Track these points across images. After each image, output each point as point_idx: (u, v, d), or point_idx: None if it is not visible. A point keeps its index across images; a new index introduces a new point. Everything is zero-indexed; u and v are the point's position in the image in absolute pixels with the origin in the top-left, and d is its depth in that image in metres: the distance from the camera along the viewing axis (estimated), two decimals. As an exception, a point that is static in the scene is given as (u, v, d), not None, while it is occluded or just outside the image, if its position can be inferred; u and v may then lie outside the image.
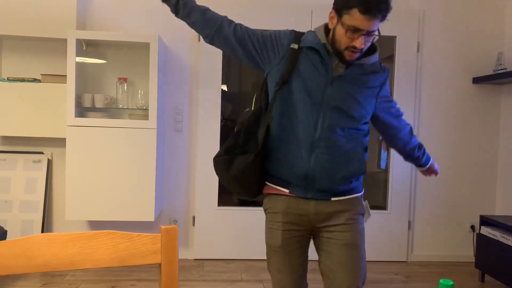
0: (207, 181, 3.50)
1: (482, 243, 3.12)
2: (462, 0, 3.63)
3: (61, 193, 3.43)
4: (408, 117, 3.59)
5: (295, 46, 1.57)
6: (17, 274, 0.92)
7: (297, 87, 1.54)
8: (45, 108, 3.16)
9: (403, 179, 3.63)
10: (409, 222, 3.65)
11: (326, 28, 1.58)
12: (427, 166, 1.88)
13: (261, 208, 3.57)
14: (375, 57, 1.60)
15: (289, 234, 1.60)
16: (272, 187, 1.63)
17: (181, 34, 3.46)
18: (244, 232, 3.56)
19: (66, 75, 3.18)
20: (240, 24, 1.65)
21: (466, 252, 3.71)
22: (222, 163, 1.61)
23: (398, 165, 3.61)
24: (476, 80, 3.59)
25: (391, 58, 3.63)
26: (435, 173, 1.93)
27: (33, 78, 3.22)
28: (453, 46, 3.64)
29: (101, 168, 3.06)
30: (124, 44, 3.29)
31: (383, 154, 3.87)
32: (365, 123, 1.62)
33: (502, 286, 3.14)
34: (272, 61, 1.60)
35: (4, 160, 3.32)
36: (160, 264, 1.00)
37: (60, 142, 3.40)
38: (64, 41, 3.25)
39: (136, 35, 3.08)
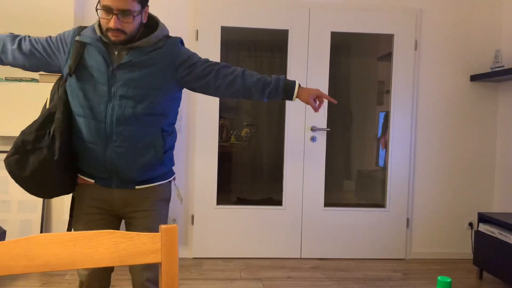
0: (206, 180, 3.51)
1: (480, 240, 3.13)
2: (459, -2, 3.64)
3: (59, 192, 3.42)
4: (405, 114, 3.59)
5: (78, 38, 1.60)
6: (17, 274, 0.92)
7: (84, 79, 1.57)
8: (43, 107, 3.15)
9: (402, 177, 3.64)
10: (408, 220, 3.66)
11: None
12: (293, 98, 1.69)
13: (260, 207, 3.57)
14: (156, 35, 1.60)
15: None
16: (81, 179, 1.69)
17: (179, 33, 3.45)
18: (243, 230, 3.57)
19: (64, 75, 3.17)
20: (26, 36, 1.65)
21: (464, 249, 3.72)
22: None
23: (396, 163, 3.62)
24: (474, 78, 3.60)
25: (388, 56, 3.64)
26: (313, 105, 1.69)
27: (31, 78, 3.21)
28: (450, 44, 3.64)
29: (99, 168, 3.06)
30: (122, 43, 3.28)
31: (381, 152, 3.88)
32: (162, 105, 1.62)
33: (500, 283, 3.15)
34: (62, 59, 1.63)
35: (2, 160, 3.32)
36: (160, 263, 1.01)
37: (58, 142, 3.39)
38: (62, 40, 3.25)
39: (134, 34, 3.07)
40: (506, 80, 3.57)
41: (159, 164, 1.66)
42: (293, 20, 3.49)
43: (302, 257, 3.61)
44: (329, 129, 3.55)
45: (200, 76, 1.67)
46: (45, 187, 1.59)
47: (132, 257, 0.99)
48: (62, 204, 3.41)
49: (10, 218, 3.25)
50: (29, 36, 1.66)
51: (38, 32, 3.10)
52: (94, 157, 1.59)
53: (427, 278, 3.21)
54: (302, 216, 3.59)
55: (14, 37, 1.65)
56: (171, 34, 3.44)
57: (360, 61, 4.25)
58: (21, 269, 0.92)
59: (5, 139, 3.37)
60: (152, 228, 1.67)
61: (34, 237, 0.93)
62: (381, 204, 3.73)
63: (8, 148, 3.36)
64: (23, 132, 1.55)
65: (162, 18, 3.43)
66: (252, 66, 4.40)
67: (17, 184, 1.62)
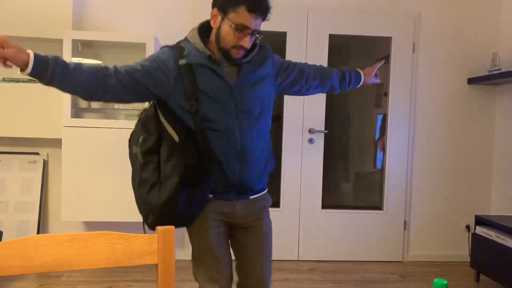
0: (204, 182, 3.50)
1: (477, 242, 3.14)
2: (457, 1, 3.65)
3: (57, 193, 3.41)
4: (403, 117, 3.60)
5: (183, 62, 1.51)
6: (13, 275, 0.92)
7: (205, 102, 1.52)
8: (40, 108, 3.15)
9: (399, 179, 3.64)
10: (405, 222, 3.67)
11: (201, 31, 1.56)
12: (361, 82, 1.94)
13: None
14: (256, 49, 1.61)
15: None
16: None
17: (178, 35, 3.45)
18: (241, 232, 3.56)
19: (62, 76, 3.17)
20: (115, 67, 1.51)
21: (461, 251, 3.73)
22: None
23: (393, 165, 3.63)
24: (471, 81, 3.61)
25: (386, 58, 3.65)
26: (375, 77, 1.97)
27: (28, 79, 3.21)
28: (448, 47, 3.66)
29: (97, 169, 3.06)
30: (120, 45, 3.28)
31: (379, 154, 3.89)
32: (272, 113, 1.70)
33: (497, 285, 3.16)
34: (168, 86, 1.52)
35: (0, 160, 3.31)
36: (157, 265, 1.00)
37: (56, 143, 3.39)
38: (60, 41, 3.24)
39: (132, 35, 3.08)
40: (503, 83, 3.58)
41: (270, 172, 1.72)
42: (291, 22, 3.49)
43: (299, 259, 3.60)
44: (326, 131, 3.56)
45: (295, 80, 1.74)
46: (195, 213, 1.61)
47: (129, 259, 0.99)
48: (59, 205, 3.40)
49: (7, 219, 3.24)
50: (114, 67, 1.51)
51: (37, 32, 3.09)
52: (222, 173, 1.57)
53: (424, 281, 3.21)
54: (300, 218, 3.59)
55: (106, 68, 1.49)
56: (170, 37, 3.44)
57: (358, 64, 4.26)
58: (17, 270, 0.92)
59: (2, 140, 3.36)
60: (268, 235, 1.71)
61: (31, 238, 0.93)
62: (378, 206, 3.73)
63: (6, 149, 3.35)
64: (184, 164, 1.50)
65: (161, 21, 3.43)
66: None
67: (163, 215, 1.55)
